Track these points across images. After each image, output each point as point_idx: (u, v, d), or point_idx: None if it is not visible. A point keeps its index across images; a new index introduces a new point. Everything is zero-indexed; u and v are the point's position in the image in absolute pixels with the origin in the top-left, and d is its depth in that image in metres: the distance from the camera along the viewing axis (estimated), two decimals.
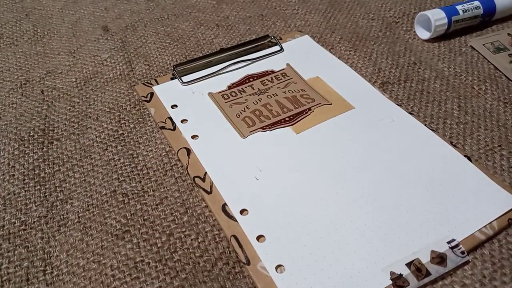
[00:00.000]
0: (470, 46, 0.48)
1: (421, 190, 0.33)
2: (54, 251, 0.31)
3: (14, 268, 0.30)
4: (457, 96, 0.42)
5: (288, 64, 0.45)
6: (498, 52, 0.46)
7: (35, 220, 0.33)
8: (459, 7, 0.48)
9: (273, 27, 0.52)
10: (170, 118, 0.40)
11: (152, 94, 0.43)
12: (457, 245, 0.30)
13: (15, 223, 0.33)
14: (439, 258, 0.29)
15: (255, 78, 0.44)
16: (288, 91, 0.42)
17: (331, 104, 0.41)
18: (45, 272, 0.30)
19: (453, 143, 0.37)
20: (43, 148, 0.38)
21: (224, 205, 0.33)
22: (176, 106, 0.41)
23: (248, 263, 0.29)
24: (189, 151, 0.37)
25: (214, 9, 0.55)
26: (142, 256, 0.30)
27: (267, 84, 0.43)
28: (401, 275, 0.28)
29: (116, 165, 0.36)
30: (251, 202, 0.33)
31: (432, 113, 0.40)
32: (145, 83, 0.44)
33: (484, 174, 0.34)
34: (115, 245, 0.31)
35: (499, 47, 0.46)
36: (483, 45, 0.47)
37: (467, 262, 0.29)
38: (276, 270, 0.29)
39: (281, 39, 0.49)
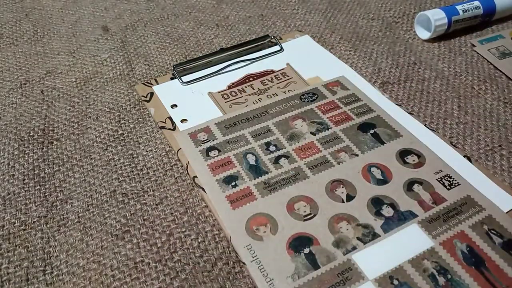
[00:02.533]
0: (471, 44, 0.48)
1: None
2: (54, 251, 0.31)
3: (14, 268, 0.30)
4: (457, 96, 0.42)
5: (288, 64, 0.45)
6: (504, 58, 0.46)
7: (35, 220, 0.33)
8: (459, 7, 0.48)
9: (273, 27, 0.52)
10: (170, 118, 0.40)
11: (152, 94, 0.43)
12: None
13: (15, 223, 0.33)
14: None
15: (255, 77, 0.44)
16: (288, 90, 0.42)
17: None
18: (45, 272, 0.30)
19: (453, 143, 0.37)
20: (43, 148, 0.38)
21: None
22: (176, 106, 0.41)
23: None
24: None
25: (214, 9, 0.55)
26: (142, 256, 0.30)
27: (267, 84, 0.43)
28: None
29: (116, 165, 0.36)
30: None
31: (432, 113, 0.40)
32: (145, 83, 0.44)
33: (484, 174, 0.34)
34: (115, 245, 0.31)
35: (504, 52, 0.46)
36: (488, 50, 0.47)
37: None
38: None
39: (281, 39, 0.49)
